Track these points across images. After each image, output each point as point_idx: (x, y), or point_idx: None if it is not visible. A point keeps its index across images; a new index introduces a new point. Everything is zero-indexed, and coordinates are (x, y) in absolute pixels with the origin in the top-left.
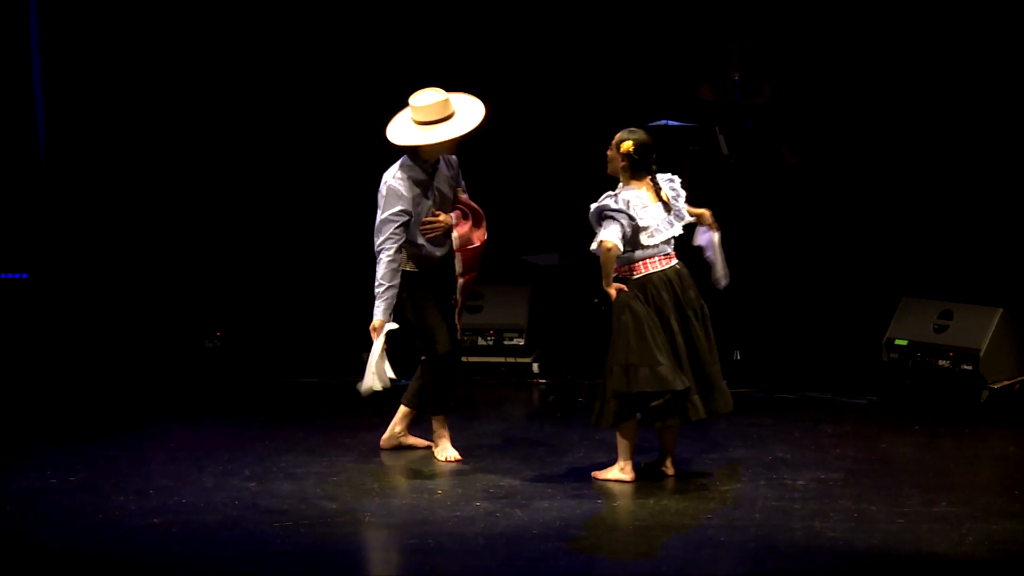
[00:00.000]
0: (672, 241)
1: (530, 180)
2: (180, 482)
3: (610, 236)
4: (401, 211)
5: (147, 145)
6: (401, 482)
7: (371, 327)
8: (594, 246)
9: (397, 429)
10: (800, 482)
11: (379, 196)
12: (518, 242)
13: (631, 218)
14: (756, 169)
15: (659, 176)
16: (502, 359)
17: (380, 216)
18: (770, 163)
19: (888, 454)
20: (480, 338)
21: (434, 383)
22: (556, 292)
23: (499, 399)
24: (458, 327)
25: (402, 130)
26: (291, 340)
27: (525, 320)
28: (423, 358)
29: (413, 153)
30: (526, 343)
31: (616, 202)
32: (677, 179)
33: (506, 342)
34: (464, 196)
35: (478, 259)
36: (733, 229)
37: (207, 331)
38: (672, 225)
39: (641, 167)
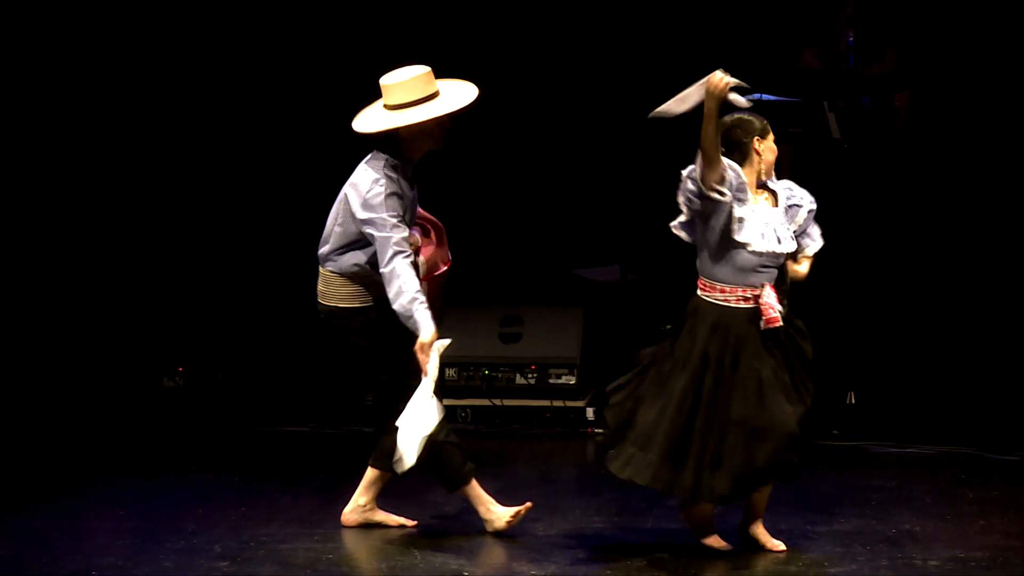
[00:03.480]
0: None
1: (584, 173)
2: (131, 561)
3: None
4: (402, 216)
5: (93, 144)
6: (415, 561)
7: (417, 346)
8: (817, 248)
9: (363, 500)
10: (933, 562)
11: (361, 200)
12: (569, 252)
13: None
14: (876, 157)
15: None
16: (547, 402)
17: (381, 229)
18: (890, 145)
19: None
20: (519, 375)
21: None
22: (617, 316)
23: (543, 454)
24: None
25: (373, 118)
26: (273, 378)
27: (577, 352)
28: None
29: (393, 150)
30: (578, 382)
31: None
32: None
33: (552, 380)
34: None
35: (443, 285)
36: (846, 233)
37: (167, 366)
38: None
39: None
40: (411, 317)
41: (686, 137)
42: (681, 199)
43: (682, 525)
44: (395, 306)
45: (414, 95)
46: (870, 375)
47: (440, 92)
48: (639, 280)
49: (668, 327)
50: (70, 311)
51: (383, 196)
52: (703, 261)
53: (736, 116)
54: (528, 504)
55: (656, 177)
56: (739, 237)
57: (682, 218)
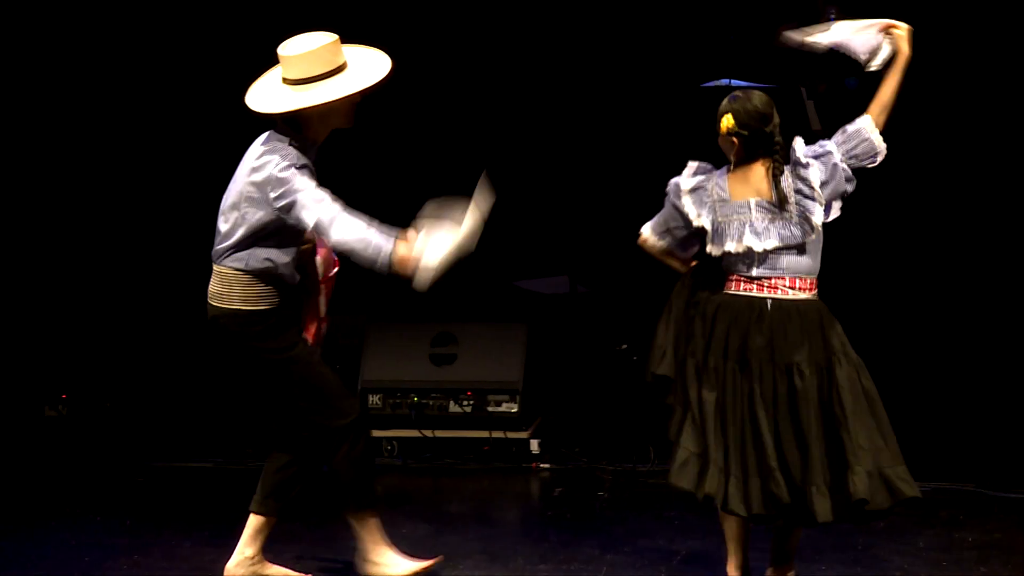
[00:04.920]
0: (764, 260)
1: (527, 173)
2: None
3: (647, 223)
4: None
5: None
6: None
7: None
8: None
9: (249, 552)
10: None
11: (267, 177)
12: (510, 261)
13: (678, 211)
14: None
15: (800, 152)
16: (486, 433)
17: (302, 191)
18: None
19: None
20: (453, 402)
21: (347, 470)
22: (566, 334)
23: (481, 492)
24: None
25: (272, 94)
26: (170, 406)
27: (519, 376)
28: (307, 435)
29: (294, 130)
30: (521, 410)
31: (677, 181)
32: (823, 159)
33: (491, 408)
34: None
35: (331, 291)
36: (828, 242)
37: (48, 393)
38: (742, 236)
39: (754, 145)
40: (375, 238)
41: (638, 131)
42: (844, 190)
43: (638, 574)
44: (367, 255)
45: (320, 68)
46: None
47: (348, 64)
48: (590, 293)
49: (624, 346)
50: None
51: (294, 168)
52: (811, 258)
53: (762, 93)
54: (439, 557)
55: (608, 178)
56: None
57: (823, 216)
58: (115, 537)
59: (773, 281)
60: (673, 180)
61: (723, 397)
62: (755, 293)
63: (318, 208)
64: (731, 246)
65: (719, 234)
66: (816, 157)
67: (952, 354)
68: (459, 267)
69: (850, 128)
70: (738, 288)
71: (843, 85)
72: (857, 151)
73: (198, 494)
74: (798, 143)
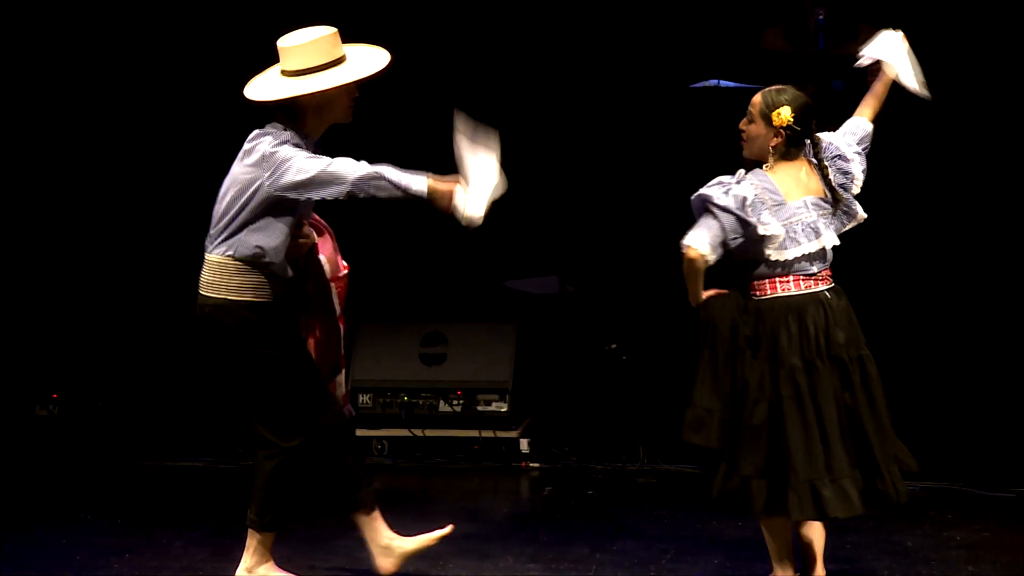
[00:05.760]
0: (825, 255)
1: (516, 171)
2: None
3: (696, 239)
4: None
5: None
6: None
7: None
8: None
9: (251, 562)
10: None
11: (262, 155)
12: (500, 261)
13: (744, 222)
14: None
15: (826, 142)
16: (475, 433)
17: (294, 157)
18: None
19: None
20: (443, 402)
21: (269, 484)
22: (555, 334)
23: (471, 491)
24: (345, 394)
25: (269, 85)
26: (162, 405)
27: (509, 375)
28: (265, 449)
29: (292, 123)
30: (510, 409)
31: (727, 194)
32: (856, 142)
33: (481, 408)
34: None
35: (346, 292)
36: None
37: (39, 393)
38: (818, 234)
39: (798, 142)
40: (403, 183)
41: (626, 132)
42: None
43: (632, 574)
44: (394, 181)
45: (318, 60)
46: None
47: (347, 57)
48: (580, 293)
49: (614, 346)
50: None
51: (287, 144)
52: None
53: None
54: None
55: (597, 178)
56: None
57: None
58: (106, 536)
59: (823, 273)
60: (724, 191)
61: (825, 398)
62: (815, 288)
63: (316, 162)
64: (807, 248)
65: (788, 239)
66: (856, 154)
67: (941, 353)
68: (449, 267)
69: (860, 132)
70: (798, 287)
71: (830, 87)
72: (865, 152)
73: (189, 493)
74: (831, 136)
